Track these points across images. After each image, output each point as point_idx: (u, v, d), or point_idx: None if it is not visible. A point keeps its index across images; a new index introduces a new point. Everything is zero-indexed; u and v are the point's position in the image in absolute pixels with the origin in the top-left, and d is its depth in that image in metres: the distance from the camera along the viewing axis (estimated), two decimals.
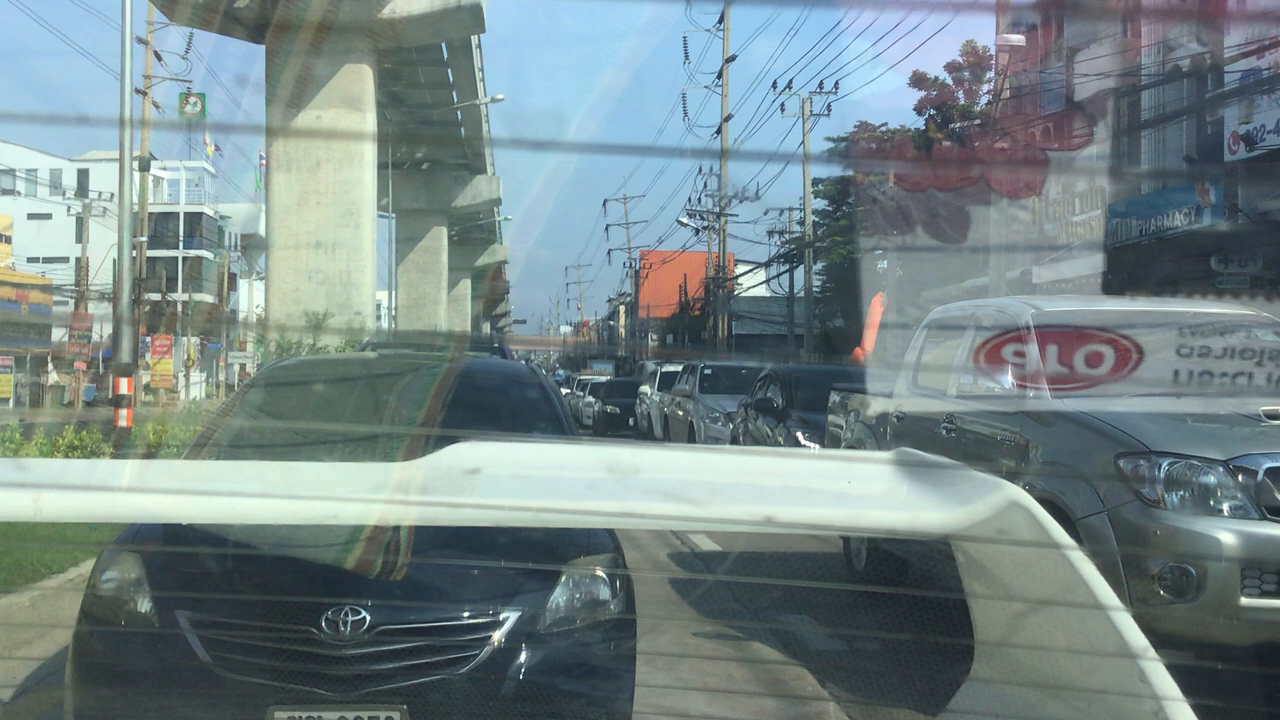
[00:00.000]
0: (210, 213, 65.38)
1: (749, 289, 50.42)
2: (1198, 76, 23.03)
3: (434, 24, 35.25)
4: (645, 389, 29.65)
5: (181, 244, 60.85)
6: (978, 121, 30.74)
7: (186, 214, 63.21)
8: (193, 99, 39.48)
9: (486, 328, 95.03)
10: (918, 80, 33.25)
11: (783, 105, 36.49)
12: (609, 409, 32.13)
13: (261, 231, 49.13)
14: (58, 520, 1.87)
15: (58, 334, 50.96)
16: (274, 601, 3.96)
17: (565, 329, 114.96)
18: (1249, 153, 20.00)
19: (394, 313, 56.81)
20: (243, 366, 48.40)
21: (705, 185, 48.62)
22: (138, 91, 32.79)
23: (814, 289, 40.78)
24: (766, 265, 45.45)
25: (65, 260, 58.43)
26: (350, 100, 32.92)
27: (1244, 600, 5.18)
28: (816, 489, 1.99)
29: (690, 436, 22.01)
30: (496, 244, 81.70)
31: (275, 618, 3.92)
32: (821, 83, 36.11)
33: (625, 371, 46.12)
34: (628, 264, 72.30)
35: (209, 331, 55.81)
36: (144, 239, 39.81)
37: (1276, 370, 6.39)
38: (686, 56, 60.25)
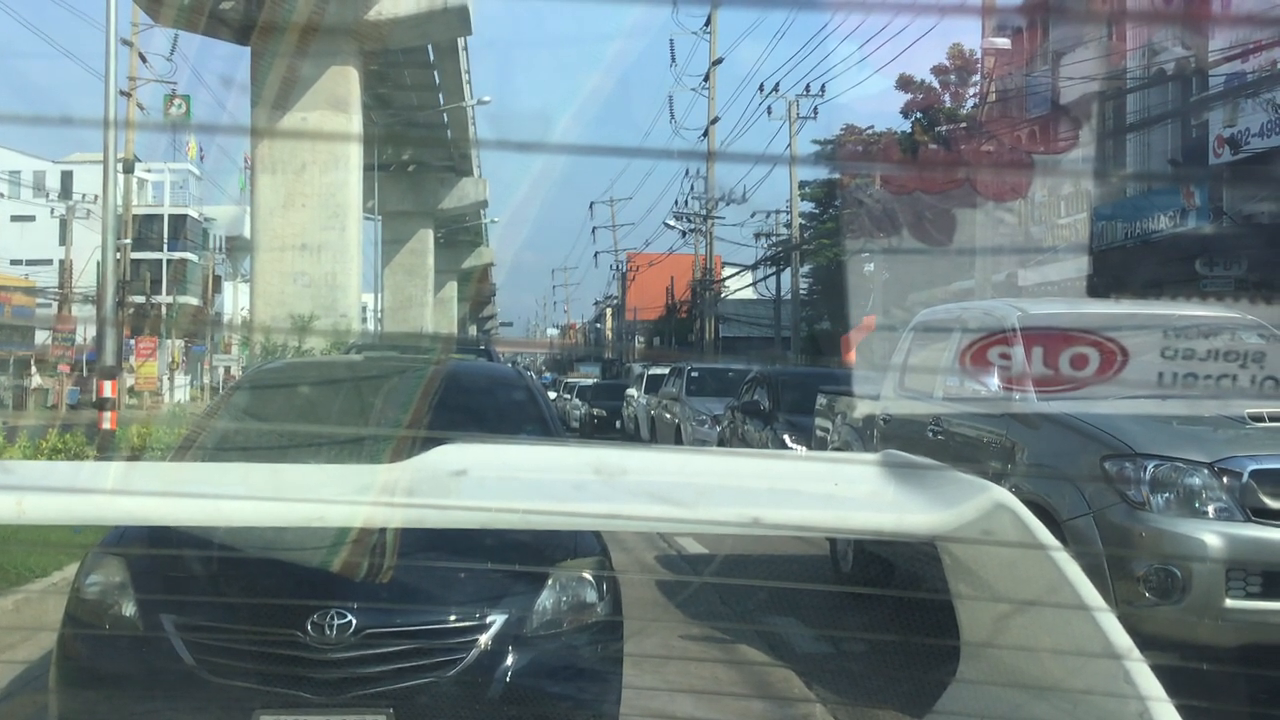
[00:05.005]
0: (195, 215, 65.15)
1: (736, 291, 50.47)
2: (1182, 80, 23.14)
3: (420, 26, 35.17)
4: (632, 392, 29.64)
5: (166, 246, 60.61)
6: (964, 125, 30.82)
7: (171, 216, 62.96)
8: (177, 101, 39.37)
9: (473, 330, 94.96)
10: (904, 83, 33.33)
11: (769, 108, 36.56)
12: (595, 412, 32.12)
13: (246, 234, 48.95)
14: (42, 523, 1.86)
15: (41, 336, 50.71)
16: (259, 604, 3.95)
17: (552, 331, 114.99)
18: (1233, 156, 20.08)
19: (380, 315, 56.67)
20: (228, 369, 48.28)
21: (692, 188, 48.73)
22: (122, 93, 32.69)
23: (801, 292, 40.83)
24: (753, 268, 45.52)
25: (49, 262, 58.15)
26: (336, 102, 32.82)
27: (1229, 602, 5.21)
28: (803, 491, 1.99)
29: (677, 439, 22.00)
30: (483, 246, 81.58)
31: (261, 621, 3.91)
32: (808, 85, 36.19)
33: (612, 374, 46.10)
34: (614, 266, 72.35)
35: (194, 334, 55.58)
36: (128, 241, 39.67)
37: (1260, 372, 6.42)
38: (673, 59, 60.26)
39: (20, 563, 7.82)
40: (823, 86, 35.85)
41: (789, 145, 36.33)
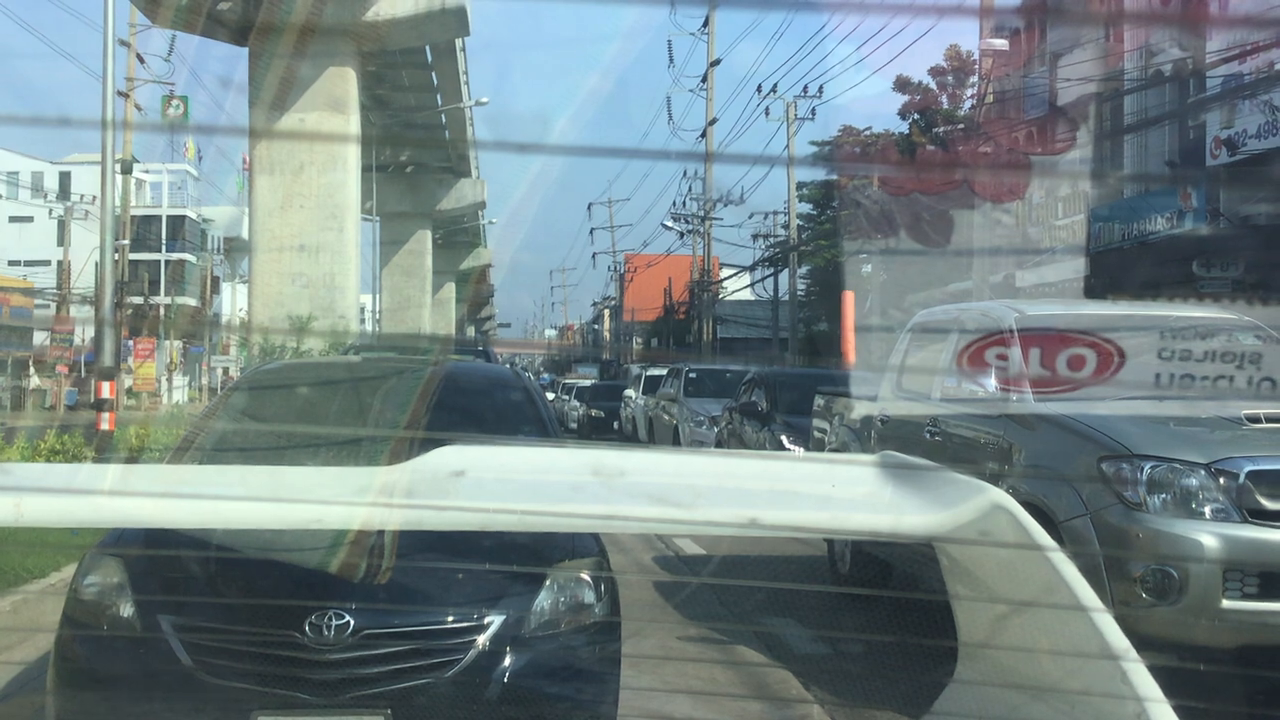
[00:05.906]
0: (193, 216, 65.15)
1: (733, 292, 50.47)
2: (1179, 81, 23.16)
3: (418, 27, 35.16)
4: (630, 393, 29.62)
5: (164, 247, 60.63)
6: (961, 126, 30.84)
7: (169, 217, 62.99)
8: (175, 102, 39.37)
9: (471, 331, 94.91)
10: (902, 84, 33.37)
11: (767, 109, 36.55)
12: (594, 413, 32.11)
13: (244, 235, 48.93)
14: (40, 524, 1.86)
15: (39, 337, 50.68)
16: (257, 605, 3.95)
17: (550, 333, 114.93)
18: (1230, 157, 20.09)
19: (378, 316, 56.66)
20: (226, 370, 48.23)
21: (690, 189, 48.73)
22: (120, 94, 32.68)
23: (798, 293, 40.84)
24: (751, 269, 45.53)
25: (47, 263, 58.14)
26: (334, 103, 32.79)
27: (1225, 603, 5.21)
28: (800, 492, 1.99)
29: (675, 440, 21.99)
30: (481, 247, 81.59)
31: (259, 622, 3.90)
32: (806, 87, 36.16)
33: (610, 375, 46.07)
34: (612, 267, 72.39)
35: (192, 335, 55.57)
36: (126, 242, 39.65)
37: (1257, 373, 6.43)
38: (671, 60, 60.43)
39: (18, 564, 7.82)
40: (820, 88, 35.83)
41: (787, 146, 36.33)
